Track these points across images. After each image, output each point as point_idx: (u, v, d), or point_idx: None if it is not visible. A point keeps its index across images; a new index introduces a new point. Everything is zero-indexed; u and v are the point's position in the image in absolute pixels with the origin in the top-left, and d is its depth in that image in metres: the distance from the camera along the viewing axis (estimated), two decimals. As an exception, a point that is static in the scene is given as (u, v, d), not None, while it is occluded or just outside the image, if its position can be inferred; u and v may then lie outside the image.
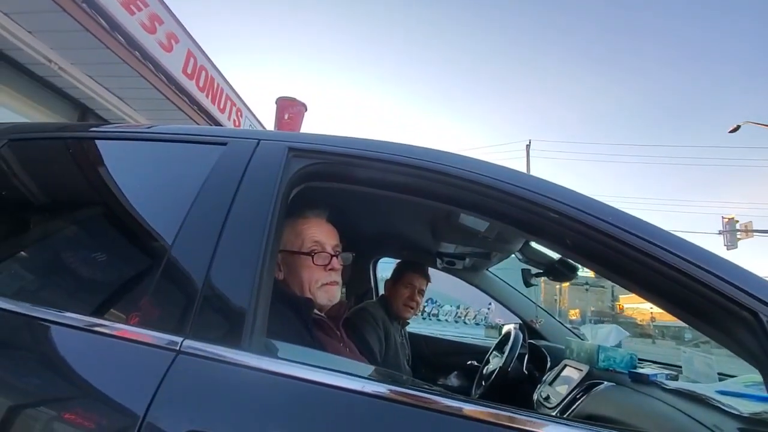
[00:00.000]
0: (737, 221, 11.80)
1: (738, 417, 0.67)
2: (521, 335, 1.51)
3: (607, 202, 0.67)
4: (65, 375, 0.60)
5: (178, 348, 0.54)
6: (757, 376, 0.87)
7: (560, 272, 1.30)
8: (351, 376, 0.53)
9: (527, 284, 1.46)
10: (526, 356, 1.52)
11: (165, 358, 0.54)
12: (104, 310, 0.70)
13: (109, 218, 0.88)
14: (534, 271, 1.43)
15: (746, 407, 0.69)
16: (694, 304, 0.59)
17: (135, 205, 0.82)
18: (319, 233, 0.91)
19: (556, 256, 1.26)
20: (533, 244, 1.36)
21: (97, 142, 0.97)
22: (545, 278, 1.52)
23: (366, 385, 0.52)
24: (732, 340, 0.59)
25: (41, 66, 3.13)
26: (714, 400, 0.76)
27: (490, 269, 1.86)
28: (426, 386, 0.56)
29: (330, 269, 0.88)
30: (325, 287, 0.87)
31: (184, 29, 3.71)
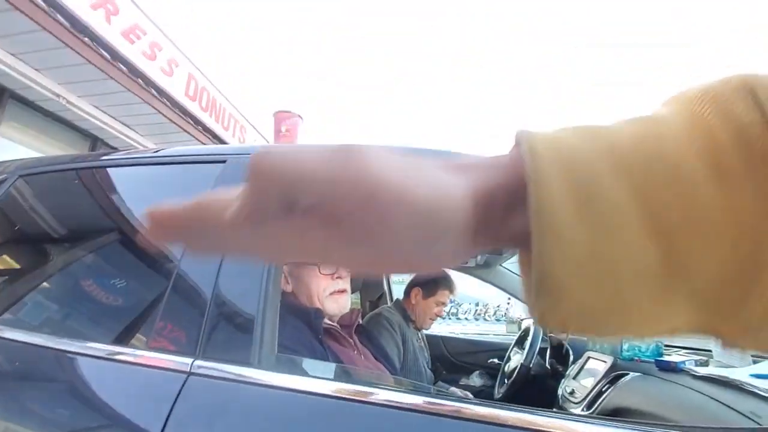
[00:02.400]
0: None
1: (775, 401, 0.64)
2: (540, 329, 1.47)
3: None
4: (90, 403, 0.61)
5: (188, 370, 0.54)
6: (793, 356, 0.83)
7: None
8: (364, 386, 0.52)
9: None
10: (548, 350, 1.49)
11: (177, 381, 0.54)
12: (119, 336, 0.71)
13: (120, 244, 0.89)
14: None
15: (783, 390, 0.66)
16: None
17: (143, 229, 0.83)
18: None
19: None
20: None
21: (106, 170, 0.99)
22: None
23: (380, 394, 0.51)
24: None
25: (50, 101, 3.23)
26: (749, 385, 0.72)
27: (503, 264, 1.83)
28: (442, 392, 0.55)
29: (337, 277, 0.87)
30: (333, 296, 0.87)
31: (184, 54, 3.78)
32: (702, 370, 0.87)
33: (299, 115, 3.93)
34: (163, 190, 0.89)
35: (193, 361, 0.55)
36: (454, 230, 0.14)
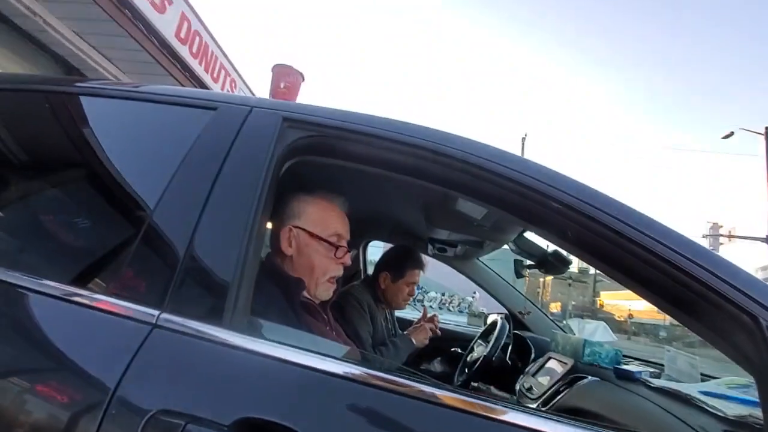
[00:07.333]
0: (721, 226, 12.07)
1: (723, 419, 0.67)
2: (507, 325, 1.51)
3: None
4: (39, 344, 0.57)
5: (154, 321, 0.51)
6: (740, 379, 0.88)
7: (552, 265, 1.29)
8: (333, 360, 0.50)
9: (518, 275, 1.45)
10: (510, 346, 1.53)
11: (140, 331, 0.50)
12: (80, 277, 0.66)
13: (90, 179, 0.83)
14: (526, 262, 1.42)
15: (730, 409, 0.69)
16: (693, 304, 0.58)
17: (117, 166, 0.77)
18: (342, 226, 0.89)
19: (550, 248, 1.24)
20: (527, 235, 1.35)
21: (81, 98, 0.91)
22: (535, 270, 1.51)
23: (348, 369, 0.50)
24: (727, 343, 0.58)
25: (25, 18, 2.96)
26: (698, 400, 0.76)
27: (480, 258, 1.85)
28: (408, 373, 0.54)
29: (341, 263, 0.87)
30: (327, 283, 0.86)
31: (179, -10, 3.54)
32: (656, 382, 0.91)
33: (300, 73, 3.68)
34: (143, 128, 0.83)
35: (160, 314, 0.52)
36: None
